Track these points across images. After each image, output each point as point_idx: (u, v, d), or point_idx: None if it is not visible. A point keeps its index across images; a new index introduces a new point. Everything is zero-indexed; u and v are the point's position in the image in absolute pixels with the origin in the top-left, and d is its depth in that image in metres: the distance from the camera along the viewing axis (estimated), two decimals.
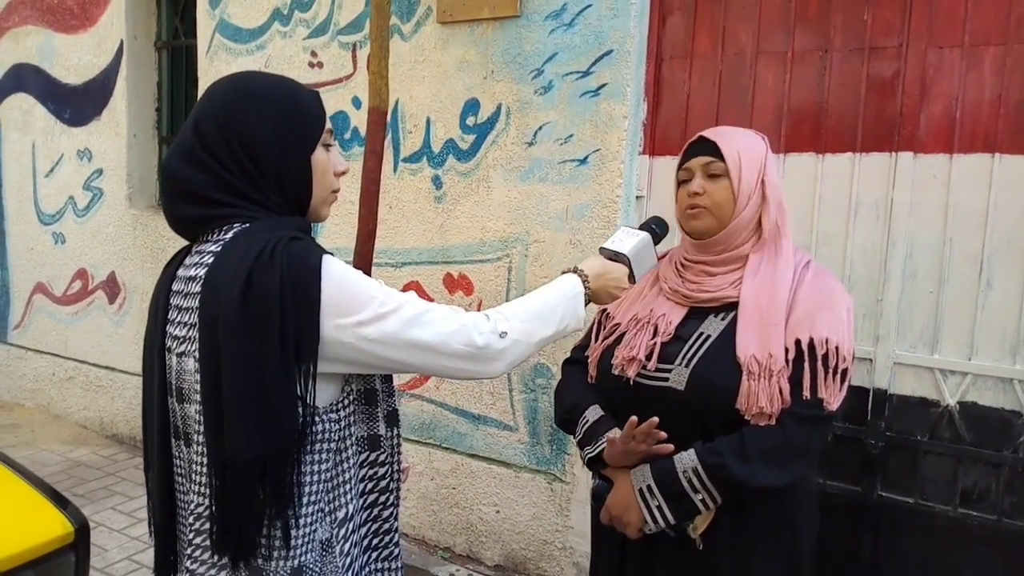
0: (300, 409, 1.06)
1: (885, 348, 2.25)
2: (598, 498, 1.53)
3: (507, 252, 2.81)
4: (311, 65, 3.27)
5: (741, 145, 1.49)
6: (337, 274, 1.08)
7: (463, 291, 2.92)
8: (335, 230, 3.10)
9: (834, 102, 2.31)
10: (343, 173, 1.25)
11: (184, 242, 1.23)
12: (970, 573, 2.19)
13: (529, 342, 1.23)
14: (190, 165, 1.12)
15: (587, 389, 1.63)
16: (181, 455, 1.16)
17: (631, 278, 1.45)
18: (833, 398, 1.39)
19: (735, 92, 2.46)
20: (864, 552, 2.31)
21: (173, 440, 1.17)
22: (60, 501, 1.82)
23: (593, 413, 1.57)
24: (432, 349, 1.13)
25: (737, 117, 2.43)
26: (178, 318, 1.14)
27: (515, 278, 2.79)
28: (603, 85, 2.55)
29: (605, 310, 1.66)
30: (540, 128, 2.69)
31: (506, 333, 1.19)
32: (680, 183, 1.56)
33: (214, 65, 3.61)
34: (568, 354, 1.76)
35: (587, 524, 2.61)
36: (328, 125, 1.21)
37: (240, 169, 1.12)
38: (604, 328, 1.64)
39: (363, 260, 2.20)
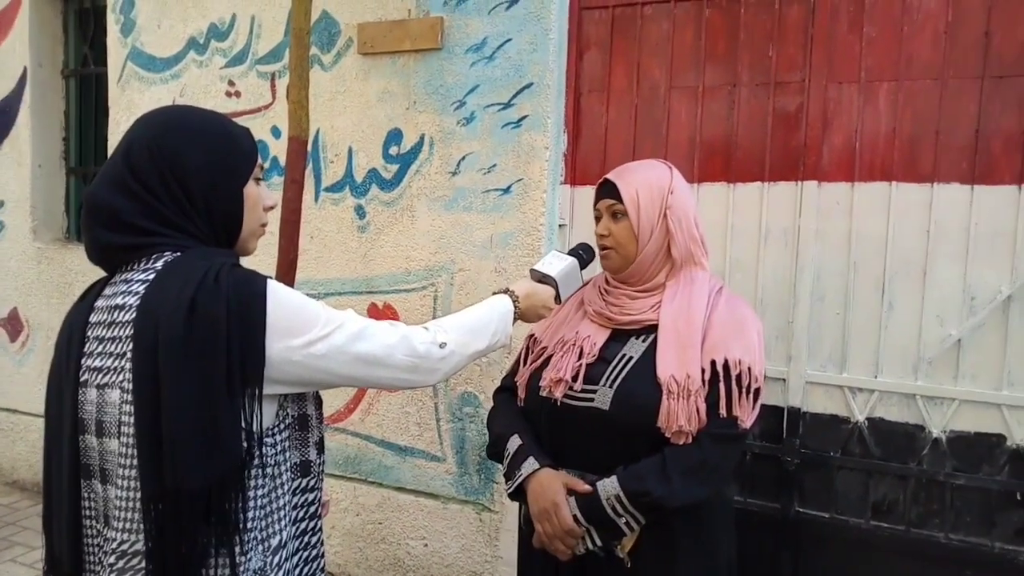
0: (243, 434, 1.06)
1: (797, 368, 2.35)
2: (529, 523, 1.56)
3: (432, 281, 2.81)
4: (228, 94, 3.22)
5: (641, 183, 1.58)
6: (283, 297, 1.11)
7: (388, 321, 2.89)
8: (255, 260, 2.99)
9: (743, 134, 2.41)
10: (271, 208, 1.28)
11: (97, 275, 1.20)
12: None
13: (464, 353, 1.32)
14: (118, 192, 1.11)
15: (513, 417, 1.68)
16: (94, 495, 1.12)
17: (557, 299, 1.58)
18: (747, 416, 1.47)
19: (650, 124, 2.55)
20: (784, 567, 2.38)
21: (83, 480, 1.12)
22: None
23: (513, 444, 1.61)
24: (377, 361, 1.17)
25: (652, 148, 2.52)
26: (99, 349, 1.10)
27: (441, 307, 2.79)
28: (524, 117, 2.60)
29: (532, 335, 1.73)
30: (463, 158, 2.71)
31: (445, 344, 1.27)
32: (597, 223, 1.66)
33: (126, 94, 3.51)
34: (499, 384, 1.80)
35: (516, 553, 2.61)
36: (259, 160, 1.22)
37: (171, 198, 1.12)
38: (532, 352, 1.69)
39: None
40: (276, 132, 3.10)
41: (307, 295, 1.17)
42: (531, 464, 1.55)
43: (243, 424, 1.05)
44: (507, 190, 2.64)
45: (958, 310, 2.18)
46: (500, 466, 1.68)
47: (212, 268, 1.07)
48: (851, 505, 2.32)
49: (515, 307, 1.45)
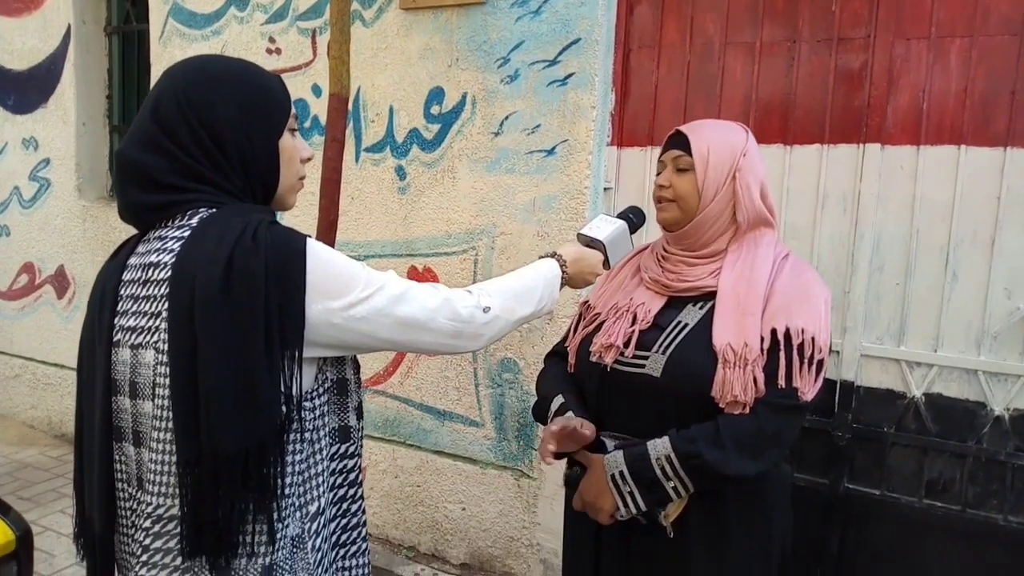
0: (282, 397, 1.02)
1: (852, 340, 2.25)
2: (571, 485, 1.52)
3: (473, 244, 2.75)
4: (269, 51, 3.17)
5: (713, 140, 1.49)
6: (323, 256, 1.06)
7: (431, 283, 2.85)
8: (294, 221, 2.97)
9: (802, 93, 2.29)
10: (308, 160, 1.22)
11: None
12: (935, 564, 2.20)
13: (509, 319, 1.26)
14: (148, 149, 1.07)
15: (560, 379, 1.64)
16: (126, 457, 1.09)
17: (606, 264, 1.51)
18: (808, 388, 1.39)
19: (703, 83, 2.43)
20: (832, 544, 2.31)
21: (115, 443, 1.10)
22: (1, 508, 1.72)
23: (556, 403, 1.56)
24: (419, 325, 1.12)
25: (705, 108, 2.41)
26: (133, 308, 1.07)
27: (481, 271, 2.74)
28: (571, 74, 2.50)
29: (587, 302, 1.68)
30: (507, 118, 2.63)
31: (489, 308, 1.21)
32: (658, 175, 1.57)
33: (168, 51, 3.49)
34: (551, 348, 1.75)
35: (554, 520, 2.59)
36: (293, 110, 1.17)
37: (203, 153, 1.07)
38: (585, 318, 1.64)
39: None
40: (317, 90, 3.04)
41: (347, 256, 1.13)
42: (570, 416, 1.50)
43: (282, 387, 1.01)
44: (551, 151, 2.56)
45: None
46: (539, 432, 1.64)
47: (250, 225, 1.02)
48: (904, 483, 2.23)
49: (563, 272, 1.38)
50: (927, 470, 2.20)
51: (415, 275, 2.87)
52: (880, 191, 2.20)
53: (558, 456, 1.47)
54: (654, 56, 2.51)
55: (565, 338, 1.70)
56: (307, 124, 3.08)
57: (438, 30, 2.74)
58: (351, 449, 1.19)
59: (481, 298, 1.21)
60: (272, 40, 3.16)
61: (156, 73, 3.52)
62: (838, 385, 2.28)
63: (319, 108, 2.98)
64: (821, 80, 2.26)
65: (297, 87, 3.07)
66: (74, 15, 3.88)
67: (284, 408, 1.02)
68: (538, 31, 2.55)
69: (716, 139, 1.50)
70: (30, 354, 4.26)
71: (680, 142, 1.52)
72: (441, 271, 2.83)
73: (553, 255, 1.41)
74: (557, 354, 1.71)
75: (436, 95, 2.78)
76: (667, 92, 2.50)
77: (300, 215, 2.94)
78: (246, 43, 3.23)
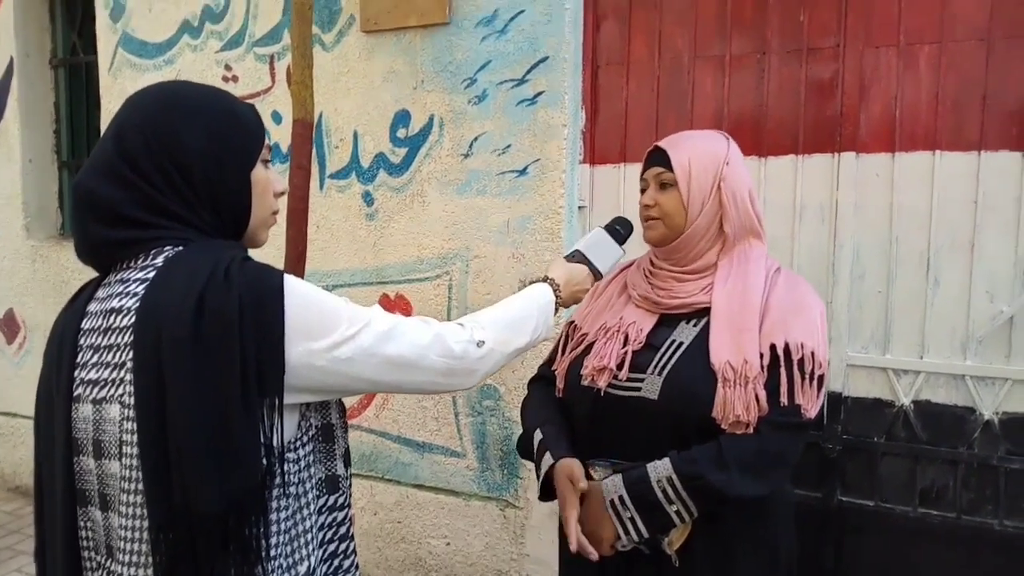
0: (263, 450, 0.93)
1: (838, 350, 2.23)
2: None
3: (447, 269, 2.68)
4: (225, 79, 3.07)
5: (694, 152, 1.46)
6: (302, 293, 0.97)
7: (401, 312, 2.75)
8: (258, 254, 2.89)
9: (774, 105, 2.28)
10: (282, 194, 1.14)
11: (92, 275, 1.07)
12: (933, 572, 2.17)
13: (504, 352, 1.18)
14: (109, 180, 0.98)
15: (540, 408, 1.58)
16: (92, 523, 0.99)
17: (596, 276, 1.46)
18: (810, 404, 1.35)
19: (674, 97, 2.41)
20: (827, 559, 2.27)
21: (79, 508, 1.00)
22: None
23: (536, 438, 1.51)
24: (410, 364, 1.04)
25: (677, 123, 2.39)
26: (94, 359, 0.97)
27: (456, 296, 2.66)
28: (540, 93, 2.46)
29: (572, 322, 1.62)
30: (476, 139, 2.58)
31: (483, 342, 1.13)
32: (643, 193, 1.53)
33: (118, 82, 3.36)
34: (531, 373, 1.69)
35: (543, 551, 2.51)
36: (267, 140, 1.09)
37: (169, 185, 0.98)
38: (572, 339, 1.57)
39: None
40: (277, 117, 2.95)
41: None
42: (547, 460, 1.44)
43: (262, 438, 0.93)
44: (523, 171, 2.51)
45: (1009, 285, 2.05)
46: (524, 461, 1.58)
47: (220, 262, 0.94)
48: (897, 493, 2.20)
49: (556, 296, 1.32)
50: (920, 478, 2.18)
51: (387, 303, 2.78)
52: (857, 200, 2.19)
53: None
54: (623, 72, 2.48)
55: (550, 361, 1.63)
56: None
57: (401, 52, 2.68)
58: (340, 500, 1.10)
59: (474, 331, 1.13)
60: (228, 67, 3.07)
61: (106, 106, 3.40)
62: (825, 397, 2.24)
63: (280, 135, 2.89)
64: (792, 91, 2.25)
65: None
66: (16, 47, 3.73)
67: (265, 461, 0.93)
68: (505, 50, 2.50)
69: (697, 151, 1.46)
70: None
71: (660, 158, 1.47)
72: (414, 298, 2.75)
73: (545, 279, 1.35)
74: (543, 378, 1.64)
75: (402, 118, 2.71)
76: (638, 108, 2.47)
77: (266, 246, 2.83)
78: (200, 71, 3.13)
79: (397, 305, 2.77)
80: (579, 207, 2.54)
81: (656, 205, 1.46)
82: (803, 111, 2.24)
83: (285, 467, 0.98)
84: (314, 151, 2.86)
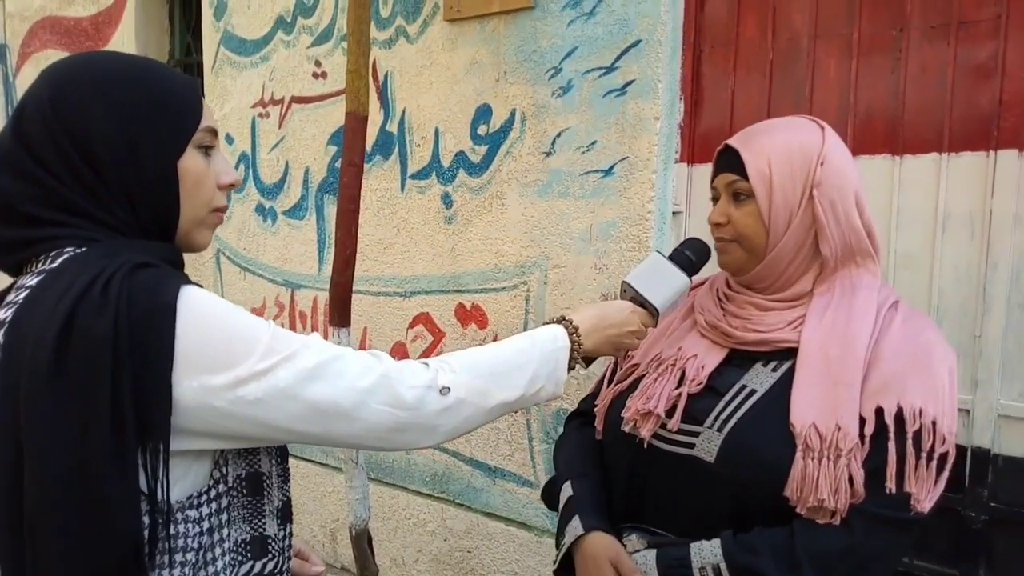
0: (145, 506, 0.74)
1: (987, 397, 1.79)
2: None
3: (524, 279, 2.43)
4: (315, 75, 2.98)
5: (775, 151, 1.13)
6: (203, 312, 0.77)
7: (476, 324, 2.55)
8: (296, 255, 2.78)
9: (913, 92, 1.87)
10: (230, 186, 0.93)
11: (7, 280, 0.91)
12: None
13: (482, 405, 0.92)
14: (6, 172, 0.82)
15: (575, 452, 1.30)
16: None
17: (652, 313, 1.15)
18: (925, 494, 1.01)
19: (790, 85, 2.05)
20: None
21: None
22: None
23: (564, 493, 1.22)
24: (341, 413, 0.81)
25: (793, 115, 2.02)
26: None
27: (533, 308, 2.41)
28: (630, 82, 2.16)
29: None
30: (559, 135, 2.32)
31: (448, 389, 0.88)
32: (714, 203, 1.23)
33: (220, 80, 3.37)
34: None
35: None
36: (208, 122, 0.89)
37: (74, 177, 0.81)
38: (620, 369, 1.29)
39: (341, 292, 1.86)
40: None
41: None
42: (575, 527, 1.16)
43: (143, 493, 0.73)
44: (609, 171, 2.22)
45: None
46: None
47: (104, 272, 0.75)
48: None
49: (573, 342, 1.04)
50: None
51: (463, 313, 2.58)
52: (1018, 209, 1.75)
53: None
54: (730, 56, 2.14)
55: (594, 393, 1.35)
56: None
57: (484, 41, 2.46)
58: (271, 566, 0.88)
59: (440, 374, 0.88)
60: (318, 64, 2.97)
61: (209, 105, 3.41)
62: (968, 453, 1.81)
63: (373, 133, 2.76)
64: (937, 75, 1.84)
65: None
66: (137, 51, 3.84)
67: (148, 519, 0.74)
68: (593, 34, 2.23)
69: (778, 148, 1.13)
70: None
71: (732, 160, 1.16)
72: (490, 309, 2.52)
73: (560, 320, 1.07)
74: (582, 414, 1.36)
75: (483, 113, 2.49)
76: (747, 98, 2.12)
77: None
78: (293, 68, 3.06)
79: (472, 316, 2.56)
80: (673, 212, 2.23)
81: (729, 223, 1.16)
82: (951, 100, 1.82)
83: (183, 528, 0.78)
84: (396, 150, 2.72)
